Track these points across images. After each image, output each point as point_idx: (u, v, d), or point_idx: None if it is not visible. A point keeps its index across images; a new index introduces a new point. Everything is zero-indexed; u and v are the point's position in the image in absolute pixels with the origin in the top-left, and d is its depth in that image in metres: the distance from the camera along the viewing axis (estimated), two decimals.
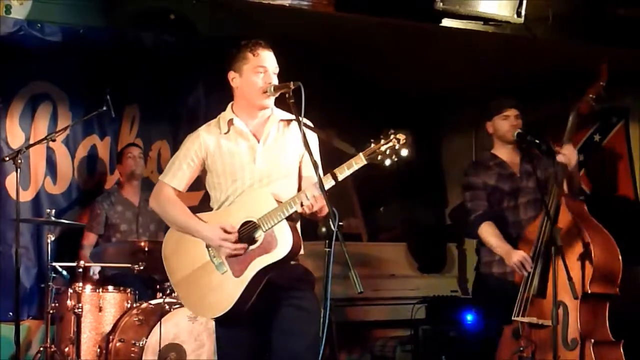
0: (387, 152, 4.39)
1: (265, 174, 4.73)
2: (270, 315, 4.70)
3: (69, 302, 6.79)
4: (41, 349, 6.86)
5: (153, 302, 6.87)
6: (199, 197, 6.32)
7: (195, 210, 4.86)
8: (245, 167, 4.74)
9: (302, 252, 4.72)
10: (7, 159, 6.76)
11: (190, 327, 6.68)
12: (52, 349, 6.81)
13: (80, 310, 6.74)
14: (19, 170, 6.61)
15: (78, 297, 6.76)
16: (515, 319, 5.83)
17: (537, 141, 6.20)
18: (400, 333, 9.01)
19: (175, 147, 8.23)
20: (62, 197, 7.98)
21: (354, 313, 8.91)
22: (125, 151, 7.88)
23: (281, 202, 4.58)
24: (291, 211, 4.53)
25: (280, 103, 4.77)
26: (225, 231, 4.61)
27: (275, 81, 4.72)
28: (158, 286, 7.02)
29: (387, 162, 4.40)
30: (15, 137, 7.70)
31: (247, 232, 4.62)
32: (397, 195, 10.25)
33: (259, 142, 4.77)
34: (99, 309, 6.89)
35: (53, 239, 6.81)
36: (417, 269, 9.74)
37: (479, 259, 6.47)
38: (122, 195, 7.84)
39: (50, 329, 6.89)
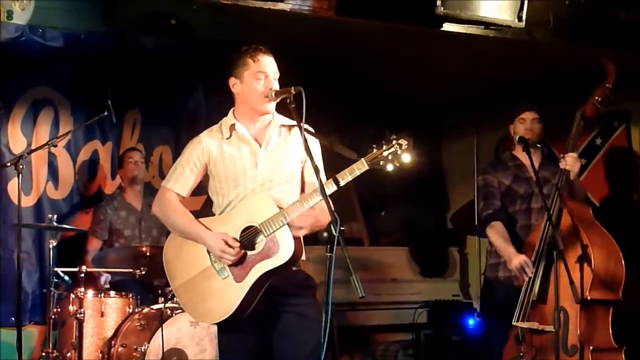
0: (389, 157, 4.38)
1: (267, 178, 4.73)
2: (271, 321, 4.70)
3: (71, 307, 6.77)
4: (43, 354, 6.85)
5: (155, 307, 6.86)
6: (202, 201, 6.31)
7: (197, 214, 4.85)
8: (247, 171, 4.74)
9: (303, 257, 4.72)
10: (9, 164, 6.76)
11: (192, 331, 6.67)
12: (54, 354, 6.81)
13: (82, 315, 6.73)
14: (20, 175, 6.60)
15: (80, 302, 6.76)
16: (516, 324, 5.82)
17: (539, 145, 6.21)
18: (402, 337, 9.00)
19: (176, 152, 8.28)
20: (63, 202, 7.99)
21: (356, 317, 8.90)
22: (126, 156, 7.87)
23: (282, 208, 4.58)
24: (293, 216, 4.53)
25: (281, 109, 4.77)
26: (227, 243, 4.61)
27: (276, 86, 4.73)
28: (160, 291, 7.01)
29: (389, 167, 4.40)
30: (17, 142, 7.70)
31: (248, 237, 4.62)
32: (398, 200, 10.25)
33: (260, 146, 4.77)
34: (101, 314, 6.87)
35: (55, 244, 6.81)
36: (419, 273, 9.75)
37: (487, 261, 6.48)
38: (125, 200, 7.84)
39: (52, 334, 6.88)
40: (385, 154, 4.39)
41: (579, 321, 5.63)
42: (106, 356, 6.72)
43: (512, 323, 5.83)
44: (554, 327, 5.42)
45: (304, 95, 4.43)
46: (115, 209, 7.78)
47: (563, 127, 6.12)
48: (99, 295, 6.93)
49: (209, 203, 4.96)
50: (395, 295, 9.32)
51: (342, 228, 4.13)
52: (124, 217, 7.77)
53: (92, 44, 7.75)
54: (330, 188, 4.44)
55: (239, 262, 4.62)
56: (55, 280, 6.84)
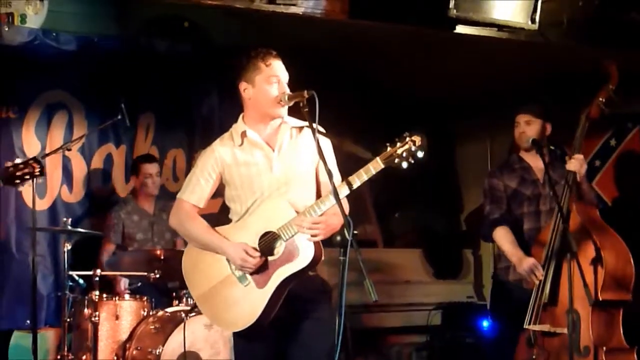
0: (404, 154, 4.36)
1: (283, 181, 4.72)
2: (286, 327, 4.70)
3: (85, 311, 6.79)
4: (59, 357, 6.88)
5: (169, 310, 6.87)
6: (219, 204, 6.30)
7: (215, 218, 4.90)
8: (263, 176, 4.74)
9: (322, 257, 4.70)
10: None
11: (206, 334, 6.68)
12: (69, 358, 6.83)
13: (97, 318, 6.75)
14: (35, 179, 6.62)
15: (95, 305, 6.78)
16: (528, 327, 5.81)
17: (552, 147, 6.20)
18: (416, 339, 9.00)
19: (190, 155, 8.31)
20: (78, 206, 8.00)
21: (370, 320, 8.90)
22: (142, 168, 7.82)
23: (299, 211, 4.58)
24: (311, 220, 4.53)
25: (292, 111, 4.77)
26: (247, 252, 4.60)
27: (287, 91, 4.72)
28: (174, 294, 7.03)
29: (404, 164, 4.38)
30: (32, 146, 7.72)
31: (267, 243, 4.62)
32: (412, 202, 10.24)
33: (273, 150, 4.77)
34: (116, 317, 6.89)
35: (69, 247, 6.83)
36: (433, 275, 9.74)
37: (496, 265, 6.46)
38: (138, 204, 7.85)
39: (67, 337, 6.90)
40: (399, 151, 4.37)
41: (591, 322, 5.61)
42: (121, 359, 6.73)
43: (524, 326, 5.81)
44: (568, 329, 5.41)
45: (316, 99, 4.43)
46: (128, 212, 7.80)
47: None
48: (114, 299, 6.95)
49: (227, 205, 4.96)
50: (409, 297, 9.31)
51: (355, 232, 4.13)
52: (136, 221, 7.79)
53: (105, 48, 7.78)
54: (346, 189, 4.46)
55: (260, 269, 4.62)
56: (70, 283, 6.87)
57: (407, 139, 4.38)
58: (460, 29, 6.73)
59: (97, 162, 8.13)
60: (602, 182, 8.75)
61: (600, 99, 5.95)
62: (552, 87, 7.83)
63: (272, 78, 4.71)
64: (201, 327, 6.67)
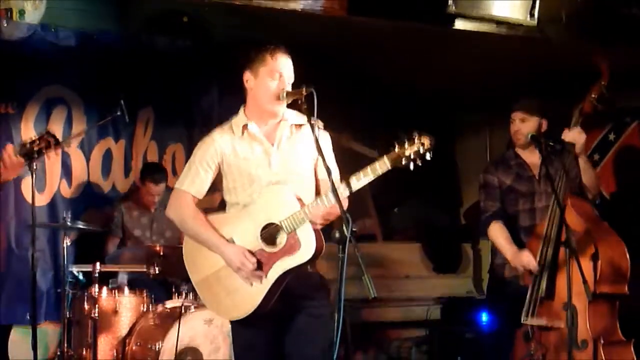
0: (412, 156, 4.30)
1: (282, 177, 4.70)
2: (284, 321, 4.70)
3: (85, 306, 6.81)
4: (58, 352, 6.90)
5: (169, 305, 6.90)
6: (218, 199, 6.29)
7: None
8: (261, 171, 4.72)
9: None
10: None
11: (206, 330, 6.70)
12: (69, 353, 6.85)
13: (96, 314, 6.77)
14: (34, 174, 6.61)
15: (94, 301, 6.79)
16: (525, 321, 5.82)
17: (552, 143, 6.19)
18: (415, 334, 9.00)
19: (189, 150, 8.22)
20: (77, 201, 8.02)
21: (369, 314, 8.91)
22: (148, 186, 7.83)
23: (303, 204, 4.57)
24: (314, 214, 4.52)
25: (293, 107, 4.77)
26: (246, 257, 4.59)
27: (287, 88, 4.70)
28: (174, 289, 7.04)
29: (412, 166, 4.32)
30: None
31: (269, 234, 4.61)
32: (411, 196, 10.24)
33: (273, 145, 4.75)
34: (115, 313, 6.91)
35: (69, 243, 6.84)
36: (432, 270, 9.73)
37: (492, 261, 6.47)
38: (139, 200, 7.86)
39: (67, 333, 6.91)
40: (407, 152, 4.30)
41: (588, 316, 5.62)
42: (121, 355, 6.76)
43: (521, 321, 5.82)
44: (567, 323, 5.41)
45: (315, 96, 4.42)
46: (129, 207, 7.81)
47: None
48: (114, 294, 6.96)
49: (224, 201, 4.94)
50: (408, 292, 9.30)
51: (354, 229, 4.13)
52: (136, 216, 7.81)
53: (104, 43, 7.78)
54: (353, 186, 4.45)
55: (261, 260, 4.60)
56: (70, 279, 6.88)
57: (416, 140, 4.32)
58: (459, 24, 6.73)
59: (96, 157, 8.13)
60: (601, 176, 8.74)
61: (593, 95, 5.96)
62: (550, 83, 7.83)
63: (275, 72, 4.68)
64: (201, 322, 6.69)
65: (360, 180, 4.45)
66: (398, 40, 7.57)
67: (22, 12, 7.22)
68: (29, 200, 6.63)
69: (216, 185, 4.90)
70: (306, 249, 4.55)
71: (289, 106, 4.76)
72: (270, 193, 4.66)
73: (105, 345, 6.87)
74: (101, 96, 7.85)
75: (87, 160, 8.09)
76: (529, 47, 7.47)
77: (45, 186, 7.81)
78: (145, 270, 7.04)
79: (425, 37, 7.40)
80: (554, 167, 6.06)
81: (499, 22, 6.76)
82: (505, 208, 6.29)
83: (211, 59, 8.19)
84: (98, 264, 6.91)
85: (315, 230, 4.56)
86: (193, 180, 4.79)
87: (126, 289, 7.07)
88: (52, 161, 7.76)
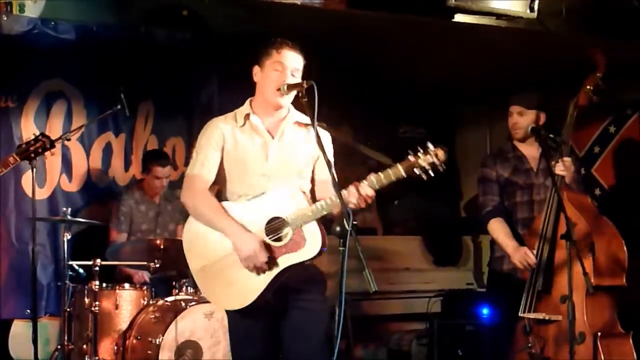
0: (426, 166, 4.41)
1: (275, 171, 4.73)
2: (280, 315, 4.73)
3: (85, 300, 6.81)
4: (59, 346, 6.91)
5: (169, 299, 6.89)
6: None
7: None
8: (257, 163, 4.75)
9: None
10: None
11: (206, 324, 6.69)
12: (69, 347, 6.85)
13: (97, 308, 6.77)
14: (34, 168, 6.61)
15: (95, 295, 6.79)
16: (523, 315, 5.82)
17: (551, 135, 6.18)
18: (416, 327, 9.00)
19: (189, 144, 8.31)
20: (78, 195, 8.03)
21: (370, 307, 8.91)
22: (154, 170, 7.77)
23: (310, 202, 4.60)
24: (323, 213, 4.54)
25: (300, 105, 4.78)
26: (261, 247, 4.58)
27: (292, 81, 4.71)
28: (174, 283, 7.04)
29: (424, 176, 4.43)
30: (31, 135, 7.64)
31: (274, 228, 4.63)
32: (411, 189, 10.23)
33: (273, 139, 4.78)
34: (116, 307, 6.91)
35: (69, 237, 6.83)
36: (433, 263, 9.73)
37: (491, 254, 6.47)
38: (145, 195, 7.85)
39: (67, 327, 6.91)
40: (422, 162, 4.41)
41: (586, 309, 5.62)
42: (121, 348, 6.74)
43: (519, 314, 5.83)
44: (568, 316, 5.41)
45: (316, 89, 4.43)
46: (137, 202, 7.79)
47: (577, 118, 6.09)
48: (114, 288, 6.96)
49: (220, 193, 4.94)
50: (408, 285, 9.31)
51: (354, 222, 4.15)
52: (143, 211, 7.80)
53: (104, 36, 7.74)
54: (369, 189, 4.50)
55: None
56: (70, 273, 6.88)
57: (431, 151, 4.41)
58: (459, 17, 6.73)
59: (97, 151, 8.14)
60: (601, 169, 8.76)
61: (588, 87, 5.95)
62: (550, 76, 7.82)
63: (277, 65, 4.72)
64: (201, 316, 6.68)
65: (373, 185, 4.52)
66: (398, 34, 7.56)
67: (22, 6, 7.22)
68: (30, 194, 6.64)
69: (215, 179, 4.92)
70: (311, 247, 4.57)
71: (297, 105, 4.79)
72: (279, 188, 4.68)
73: (106, 339, 6.87)
74: (101, 90, 7.86)
75: (88, 154, 8.09)
76: (529, 40, 7.47)
77: (46, 180, 7.83)
78: (145, 264, 7.03)
79: (425, 30, 7.39)
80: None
81: (499, 15, 6.76)
82: (504, 200, 6.30)
83: (211, 51, 8.19)
84: (98, 260, 6.88)
85: (322, 229, 4.58)
86: (203, 163, 4.79)
87: (126, 284, 7.08)
88: (53, 155, 7.75)
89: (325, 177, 4.47)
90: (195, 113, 8.48)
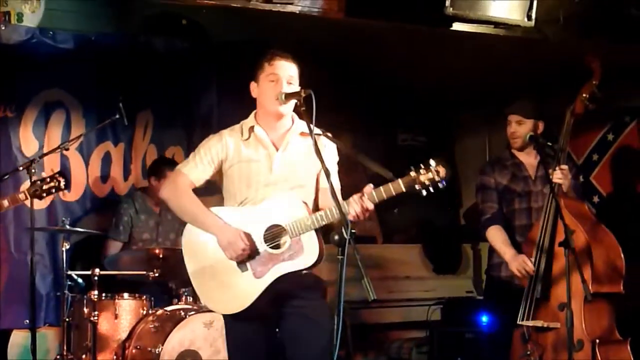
0: (426, 182, 4.41)
1: (279, 182, 4.78)
2: (278, 322, 4.77)
3: (84, 310, 6.79)
4: (58, 356, 6.89)
5: (169, 308, 6.87)
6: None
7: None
8: (261, 175, 4.80)
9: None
10: (22, 168, 6.79)
11: (205, 333, 6.67)
12: (68, 357, 6.84)
13: (95, 318, 6.76)
14: (32, 179, 6.62)
15: (94, 304, 6.78)
16: (521, 323, 5.82)
17: (549, 143, 6.20)
18: (416, 335, 9.01)
19: (188, 153, 8.23)
20: (77, 205, 7.99)
21: (369, 315, 8.91)
22: (168, 174, 7.62)
23: (311, 212, 4.64)
24: (322, 223, 4.57)
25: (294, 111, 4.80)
26: (241, 238, 4.64)
27: (289, 90, 4.74)
28: (173, 292, 7.03)
29: (424, 192, 4.44)
30: (29, 145, 7.71)
31: (272, 235, 4.66)
32: (411, 197, 10.23)
33: (277, 150, 4.82)
34: (115, 317, 6.90)
35: (68, 247, 6.83)
36: (432, 270, 9.74)
37: (489, 261, 6.48)
38: (146, 203, 7.85)
39: (66, 337, 6.90)
40: (423, 179, 4.43)
41: (584, 316, 5.63)
42: (120, 358, 6.73)
43: (517, 322, 5.83)
44: (566, 324, 5.41)
45: (314, 98, 4.45)
46: (137, 211, 7.78)
47: (574, 125, 6.10)
48: (113, 298, 6.95)
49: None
50: (408, 293, 9.32)
51: (353, 231, 4.16)
52: (144, 220, 7.78)
53: (103, 46, 7.75)
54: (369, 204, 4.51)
55: (261, 260, 4.66)
56: (69, 283, 6.87)
57: (432, 168, 4.43)
58: (457, 26, 6.72)
59: (96, 160, 8.10)
60: (600, 176, 8.76)
61: (584, 95, 5.99)
62: (548, 83, 7.83)
63: (271, 76, 4.80)
64: (200, 325, 6.67)
65: (374, 199, 4.52)
66: (396, 42, 7.57)
67: (20, 16, 7.23)
68: (28, 204, 6.63)
69: (217, 187, 4.94)
70: (309, 256, 4.61)
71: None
72: (281, 196, 4.73)
73: (105, 349, 6.85)
74: (100, 99, 7.85)
75: (86, 164, 8.05)
76: (526, 47, 7.47)
77: None
78: (144, 273, 7.02)
79: (423, 38, 7.40)
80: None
81: (496, 23, 6.76)
82: (502, 208, 6.31)
83: (210, 60, 8.20)
84: (97, 270, 6.87)
85: (320, 238, 4.61)
86: (195, 166, 4.89)
87: (125, 293, 7.07)
88: (51, 165, 7.74)
89: (327, 186, 4.48)
90: (194, 122, 8.46)
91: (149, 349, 6.58)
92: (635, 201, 8.35)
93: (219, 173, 4.92)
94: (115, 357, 6.79)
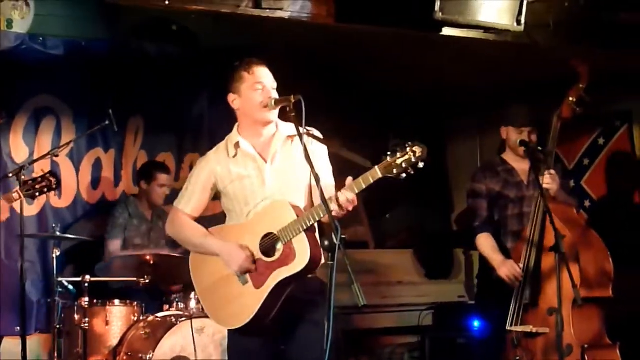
0: (403, 165, 4.26)
1: (275, 193, 4.77)
2: (284, 329, 4.74)
3: (75, 317, 6.78)
4: None
5: (160, 314, 6.87)
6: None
7: (217, 219, 5.02)
8: (255, 190, 4.79)
9: (322, 261, 4.69)
10: (11, 174, 6.75)
11: (197, 339, 6.66)
12: None
13: (86, 324, 6.74)
14: (22, 185, 6.60)
15: (84, 311, 6.76)
16: (510, 328, 5.82)
17: (540, 149, 6.20)
18: (408, 340, 8.99)
19: (179, 159, 8.30)
20: (67, 211, 7.98)
21: (361, 321, 8.88)
22: (159, 177, 7.78)
23: (301, 213, 4.61)
24: (309, 224, 4.54)
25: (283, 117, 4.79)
26: (241, 250, 4.66)
27: (275, 95, 4.74)
28: (164, 299, 7.02)
29: (403, 175, 4.28)
30: (20, 151, 7.70)
31: (268, 244, 4.66)
32: (403, 202, 10.25)
33: (266, 162, 4.81)
34: (106, 323, 6.89)
35: (58, 253, 6.81)
36: (424, 276, 9.71)
37: (480, 265, 6.49)
38: (139, 209, 7.84)
39: (57, 344, 6.88)
40: (399, 161, 4.27)
41: (573, 321, 5.63)
42: None
43: (507, 328, 5.83)
44: (556, 329, 5.41)
45: (303, 103, 4.44)
46: (130, 216, 7.78)
47: (564, 131, 6.10)
48: (104, 305, 6.93)
49: None
50: (400, 298, 9.28)
51: (343, 236, 4.14)
52: (136, 225, 7.78)
53: (93, 52, 7.76)
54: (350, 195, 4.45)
55: (259, 269, 4.67)
56: (60, 289, 6.85)
57: (408, 149, 4.27)
58: (447, 31, 6.73)
59: (86, 166, 8.10)
60: (591, 181, 8.78)
61: (571, 99, 5.98)
62: (538, 88, 7.83)
63: (256, 85, 4.77)
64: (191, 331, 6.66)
65: (354, 190, 4.45)
66: (386, 47, 7.57)
67: (9, 22, 7.22)
68: (18, 210, 6.62)
69: (218, 194, 4.96)
70: (300, 259, 4.58)
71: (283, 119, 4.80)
72: (270, 205, 4.72)
73: (96, 355, 6.84)
74: (90, 105, 7.86)
75: (77, 170, 8.05)
76: (516, 52, 7.48)
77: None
78: (135, 279, 7.01)
79: (413, 43, 7.40)
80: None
81: (486, 28, 6.77)
82: (494, 214, 6.31)
83: (200, 66, 8.20)
84: (88, 276, 6.85)
85: (311, 241, 4.58)
86: (189, 200, 4.95)
87: (116, 300, 7.05)
88: (42, 172, 7.72)
89: (322, 184, 4.44)
90: (185, 128, 8.46)
91: (140, 355, 6.57)
92: (627, 205, 8.36)
93: (218, 192, 4.95)
94: None
